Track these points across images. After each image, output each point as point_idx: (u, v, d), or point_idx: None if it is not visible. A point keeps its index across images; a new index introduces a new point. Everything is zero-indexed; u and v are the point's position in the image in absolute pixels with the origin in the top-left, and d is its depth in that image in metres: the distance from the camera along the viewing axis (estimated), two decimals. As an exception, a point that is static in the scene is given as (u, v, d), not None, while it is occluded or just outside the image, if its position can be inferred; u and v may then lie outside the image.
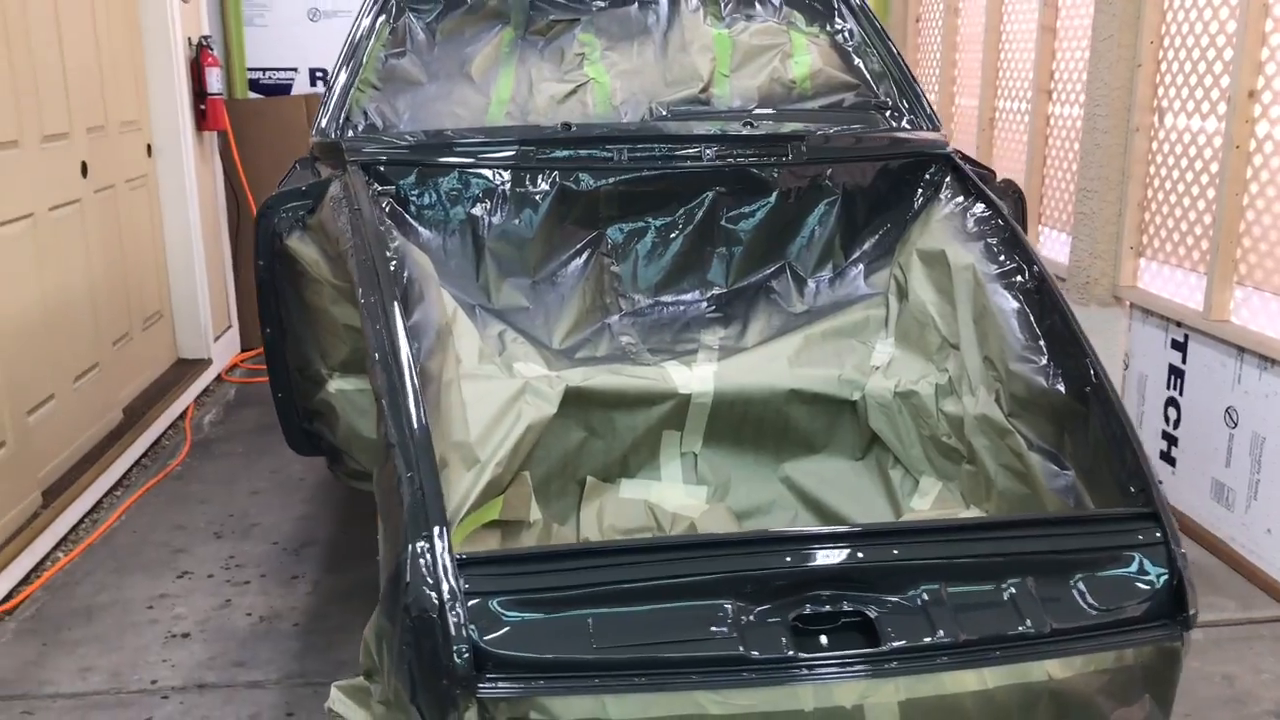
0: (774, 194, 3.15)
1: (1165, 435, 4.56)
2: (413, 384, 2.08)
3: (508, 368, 2.70)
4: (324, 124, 3.24)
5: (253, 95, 6.61)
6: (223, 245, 6.42)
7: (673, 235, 3.10)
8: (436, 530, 1.81)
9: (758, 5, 3.63)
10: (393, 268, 2.45)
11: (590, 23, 3.57)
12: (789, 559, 1.85)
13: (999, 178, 3.46)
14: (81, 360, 4.78)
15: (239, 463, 5.11)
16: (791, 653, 1.77)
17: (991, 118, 5.94)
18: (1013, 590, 1.89)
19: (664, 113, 3.37)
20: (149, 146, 5.70)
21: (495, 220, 2.97)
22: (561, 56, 3.55)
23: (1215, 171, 4.12)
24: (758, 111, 3.36)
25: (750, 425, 2.82)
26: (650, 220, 3.09)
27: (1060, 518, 2.08)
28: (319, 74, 6.58)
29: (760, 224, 3.14)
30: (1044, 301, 2.48)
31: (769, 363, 2.82)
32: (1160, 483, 2.03)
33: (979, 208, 2.85)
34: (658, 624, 1.79)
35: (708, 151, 3.06)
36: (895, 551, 1.88)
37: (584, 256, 3.04)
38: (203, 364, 6.01)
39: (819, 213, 3.17)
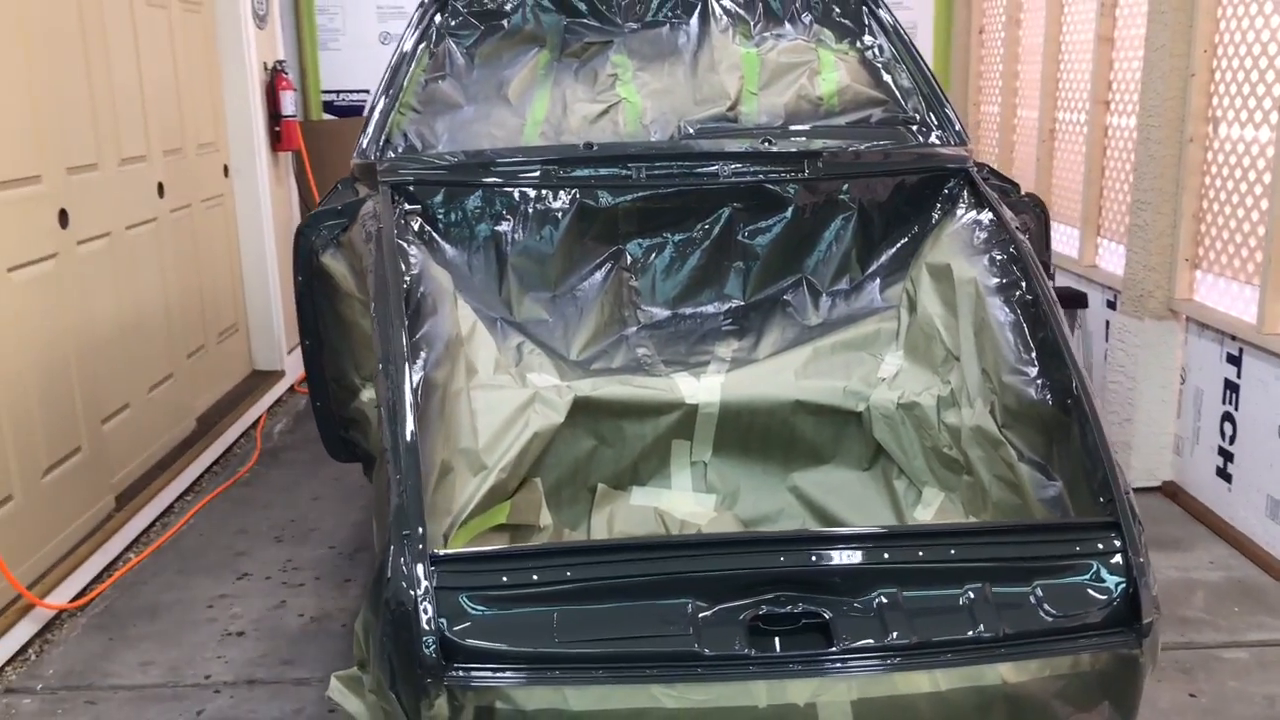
0: (790, 209, 3.21)
1: (1221, 451, 4.49)
2: (410, 394, 2.21)
3: (521, 378, 2.81)
4: (364, 145, 3.40)
5: (327, 116, 6.87)
6: (298, 261, 6.67)
7: (690, 250, 3.19)
8: (416, 530, 1.92)
9: (788, 24, 3.69)
10: (407, 283, 2.58)
11: (623, 44, 3.67)
12: (748, 561, 1.92)
13: (1024, 190, 3.47)
14: (156, 371, 5.04)
15: (303, 470, 5.32)
16: (745, 650, 1.84)
17: (1051, 129, 5.90)
18: (969, 595, 1.93)
19: (691, 131, 3.45)
20: (226, 167, 5.97)
21: (518, 237, 3.10)
22: (595, 78, 3.66)
23: (1269, 182, 4.06)
24: (779, 128, 3.43)
25: (757, 435, 2.89)
26: (669, 236, 3.18)
27: (1020, 525, 2.11)
28: (390, 96, 6.81)
29: (777, 239, 3.21)
30: (1038, 314, 2.51)
31: (776, 374, 2.88)
32: (1129, 492, 2.05)
33: (988, 221, 2.87)
34: (619, 620, 1.88)
35: (725, 169, 3.14)
36: (851, 556, 1.94)
37: (604, 271, 3.14)
38: (276, 375, 6.26)
39: (835, 227, 3.23)
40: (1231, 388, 4.39)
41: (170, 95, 5.27)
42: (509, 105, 3.60)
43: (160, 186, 5.12)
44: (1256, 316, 4.13)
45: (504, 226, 3.09)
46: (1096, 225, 5.42)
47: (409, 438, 2.09)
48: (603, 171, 3.12)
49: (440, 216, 3.10)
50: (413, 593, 1.85)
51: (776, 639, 1.88)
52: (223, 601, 4.12)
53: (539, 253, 3.10)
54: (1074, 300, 5.23)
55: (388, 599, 1.87)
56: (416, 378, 2.38)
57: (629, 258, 3.17)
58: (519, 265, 3.09)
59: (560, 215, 3.10)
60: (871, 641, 1.86)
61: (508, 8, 3.61)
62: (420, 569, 1.87)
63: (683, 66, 3.63)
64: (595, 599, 1.90)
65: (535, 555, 1.95)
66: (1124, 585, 1.94)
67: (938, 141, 3.49)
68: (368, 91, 6.87)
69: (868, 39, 3.68)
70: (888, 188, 3.22)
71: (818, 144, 3.26)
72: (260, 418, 5.89)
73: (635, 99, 3.61)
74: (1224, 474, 4.43)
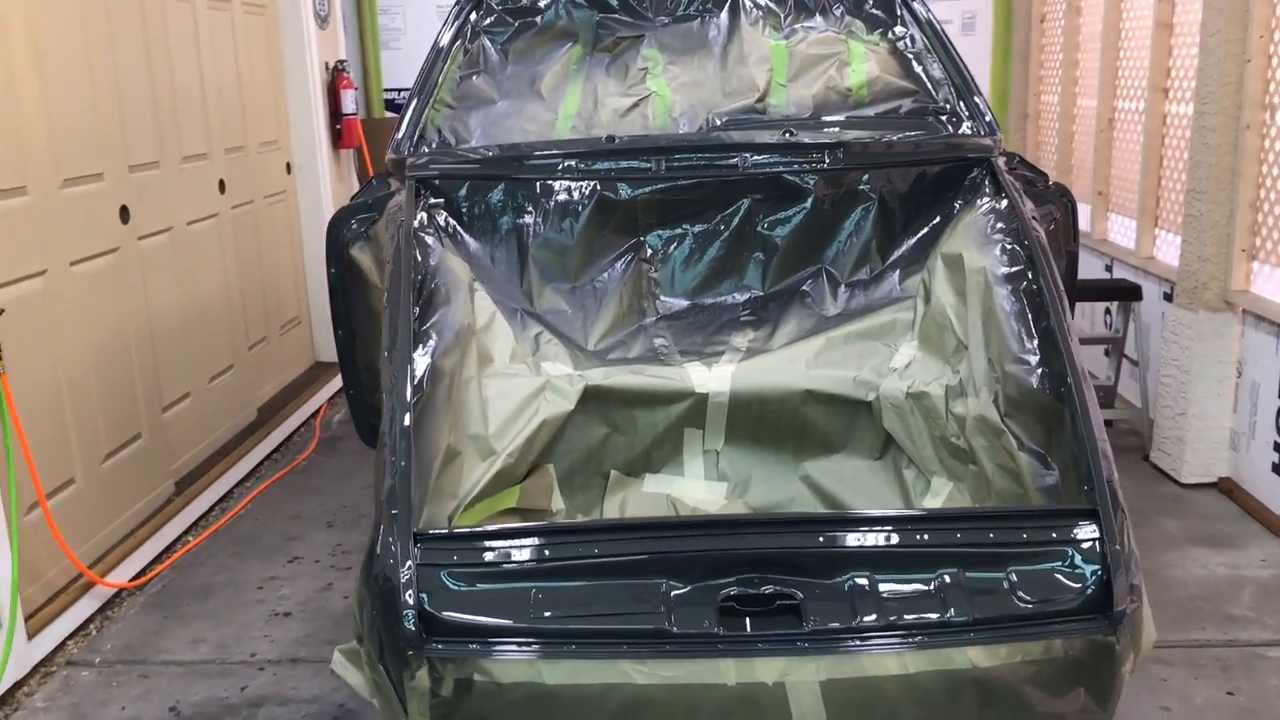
0: (810, 200, 3.22)
1: (1278, 447, 4.39)
2: (410, 380, 2.29)
3: (536, 367, 2.88)
4: (398, 140, 3.50)
5: (389, 114, 7.03)
6: (361, 256, 6.84)
7: (710, 241, 3.22)
8: (404, 510, 2.00)
9: (818, 16, 3.70)
10: (421, 274, 2.66)
11: (654, 39, 3.72)
12: (721, 543, 1.96)
13: (1054, 180, 3.44)
14: (218, 362, 5.22)
15: (358, 459, 5.46)
16: (714, 629, 1.88)
17: (1110, 118, 5.79)
18: (942, 580, 1.94)
19: (718, 123, 3.49)
20: (288, 164, 6.15)
21: (539, 229, 3.16)
22: (626, 72, 3.71)
23: (1325, 170, 3.96)
24: (805, 120, 3.44)
25: (768, 425, 2.91)
26: (688, 227, 3.22)
27: (996, 512, 2.11)
28: (450, 93, 6.95)
29: (797, 229, 3.23)
30: (1041, 303, 2.50)
31: (787, 364, 2.90)
32: (1112, 480, 2.04)
33: (1004, 211, 2.86)
34: (593, 598, 1.93)
35: (744, 160, 3.17)
36: (823, 539, 1.97)
37: (623, 262, 3.19)
38: (337, 366, 6.41)
39: (855, 218, 3.24)
40: (1288, 381, 4.29)
41: (233, 95, 5.45)
42: (542, 100, 3.67)
43: (221, 183, 5.29)
44: (1311, 308, 4.03)
45: (526, 219, 3.16)
46: (1154, 216, 5.31)
47: (405, 422, 2.16)
48: (623, 164, 3.17)
49: (465, 210, 3.18)
50: (397, 569, 1.93)
51: (747, 619, 1.91)
52: (272, 583, 4.26)
53: (559, 245, 3.16)
54: (1127, 293, 5.14)
55: (375, 575, 1.94)
56: (423, 365, 2.45)
57: (649, 249, 3.21)
58: (540, 257, 3.16)
59: (580, 208, 3.16)
60: (840, 623, 1.89)
61: (541, 4, 3.68)
62: (404, 547, 1.95)
63: (712, 60, 3.66)
64: (571, 577, 1.96)
65: (516, 535, 2.01)
66: (1099, 572, 1.93)
67: (968, 132, 3.47)
68: (428, 89, 7.00)
69: (899, 30, 3.67)
70: (909, 178, 3.21)
71: (839, 135, 3.27)
72: (321, 407, 6.06)
73: (665, 92, 3.65)
74: (1280, 470, 4.33)
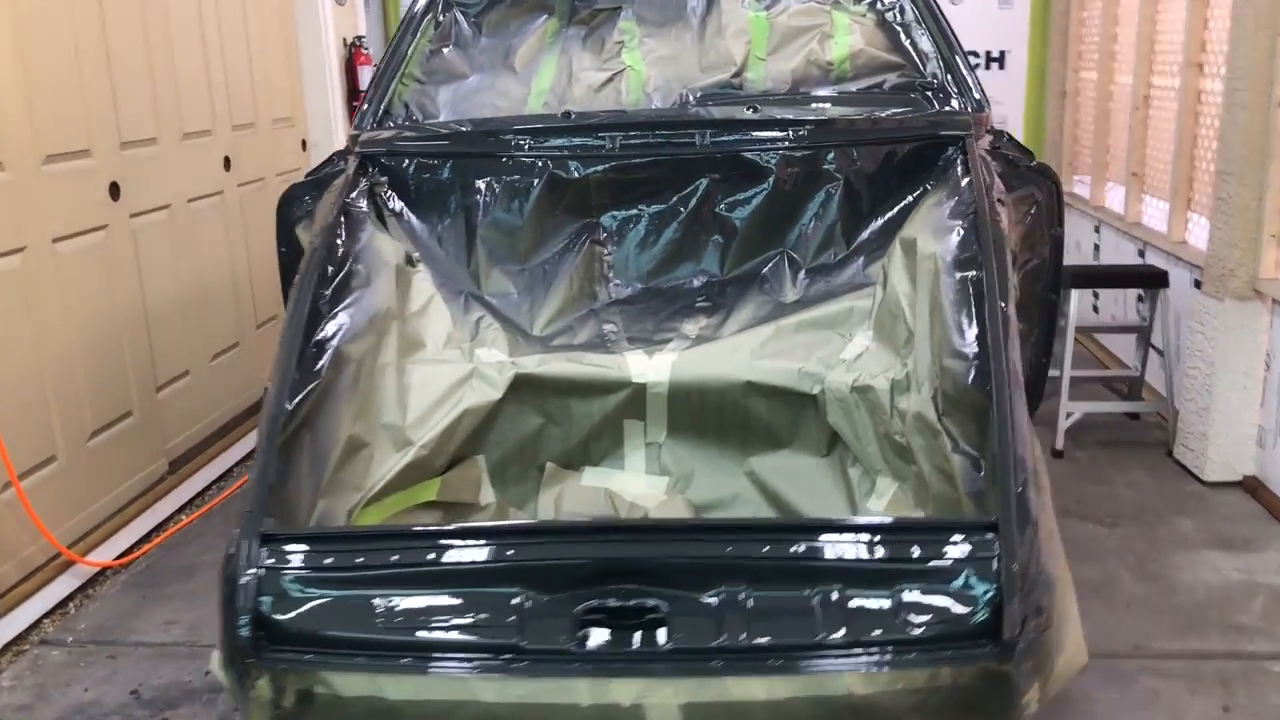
0: (771, 180, 3.06)
1: (1307, 443, 4.12)
2: (295, 367, 2.18)
3: (469, 354, 2.76)
4: (360, 116, 3.41)
5: (411, 91, 6.94)
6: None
7: (666, 223, 3.08)
8: (256, 506, 1.90)
9: None
10: (344, 256, 2.56)
11: (632, 10, 3.57)
12: (584, 550, 1.83)
13: (1035, 160, 3.22)
14: (221, 340, 5.20)
15: (359, 439, 5.39)
16: (566, 645, 1.75)
17: (1146, 95, 5.49)
18: (819, 597, 1.79)
19: (691, 99, 3.34)
20: (304, 141, 6.10)
21: (487, 208, 3.05)
22: (602, 45, 3.58)
23: (1359, 150, 3.67)
24: (776, 95, 3.28)
25: (710, 417, 2.77)
26: (644, 208, 3.08)
27: (889, 524, 1.94)
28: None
29: (757, 211, 3.07)
30: (982, 293, 2.31)
31: (731, 354, 2.75)
32: (1024, 490, 1.86)
33: (967, 193, 2.67)
34: (442, 608, 1.82)
35: (703, 137, 3.02)
36: (696, 549, 1.82)
37: (575, 244, 3.07)
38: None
39: (819, 200, 3.07)
40: (1317, 376, 4.01)
41: (242, 71, 5.40)
42: (514, 74, 3.55)
43: (226, 160, 5.26)
44: (1340, 298, 3.75)
45: (474, 198, 3.05)
46: (1187, 199, 5.02)
47: (275, 412, 2.06)
48: (575, 141, 3.04)
49: (413, 188, 3.07)
50: (239, 571, 1.83)
51: (605, 633, 1.78)
52: (254, 565, 4.21)
53: (508, 225, 3.04)
54: (1153, 279, 4.87)
55: (225, 576, 1.85)
56: (328, 352, 2.36)
57: (602, 231, 3.08)
58: (488, 237, 3.04)
59: (530, 187, 3.03)
60: (703, 642, 1.75)
61: None
62: (251, 548, 1.85)
63: (690, 32, 3.51)
64: (421, 585, 1.84)
65: (365, 538, 1.90)
66: (992, 594, 1.76)
67: (953, 108, 3.27)
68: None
69: (888, 0, 3.47)
70: (877, 158, 3.03)
71: (806, 111, 3.10)
72: (330, 386, 6.00)
73: (640, 66, 3.51)
74: (1308, 468, 4.07)
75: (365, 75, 6.18)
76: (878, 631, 1.75)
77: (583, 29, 3.63)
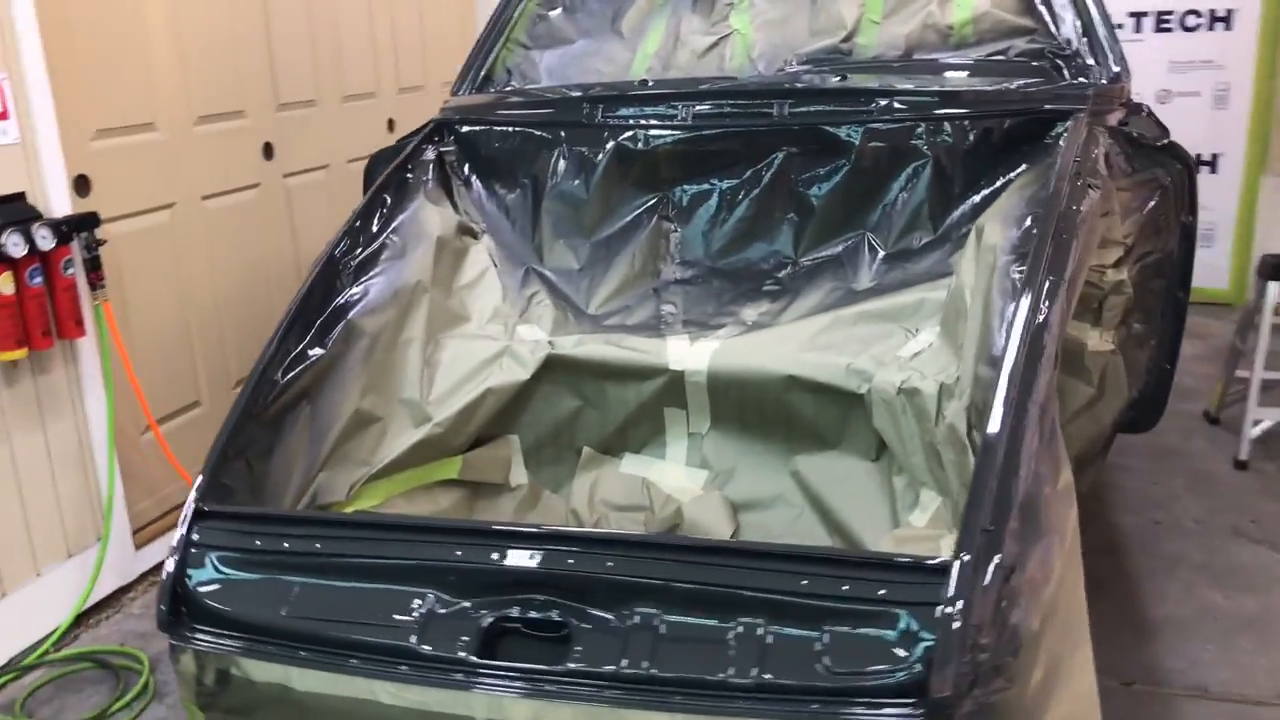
0: (854, 156, 2.81)
1: None
2: (283, 344, 2.17)
3: (511, 331, 2.69)
4: (459, 80, 3.39)
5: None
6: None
7: (739, 200, 2.89)
8: (203, 481, 1.90)
9: None
10: (382, 226, 2.54)
11: (745, -31, 3.38)
12: (499, 555, 1.72)
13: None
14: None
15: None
16: (462, 655, 1.65)
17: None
18: (739, 630, 1.61)
19: (795, 66, 3.14)
20: (478, 103, 6.17)
21: (553, 179, 2.95)
22: (712, 7, 3.41)
23: None
24: (889, 61, 3.02)
25: (752, 411, 2.59)
26: (716, 183, 2.90)
27: (830, 555, 1.71)
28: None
29: (837, 190, 2.83)
30: (1025, 295, 2.03)
31: (777, 344, 2.56)
32: (993, 530, 1.61)
33: (1056, 175, 2.36)
34: (353, 603, 1.75)
35: (782, 108, 2.81)
36: (610, 564, 1.68)
37: (643, 219, 2.93)
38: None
39: (905, 179, 2.79)
40: None
41: (412, 33, 5.51)
42: (621, 39, 3.44)
43: (390, 123, 5.38)
44: None
45: (542, 168, 2.96)
46: None
47: (251, 383, 2.06)
48: (645, 110, 2.89)
49: (484, 156, 3.02)
50: (174, 546, 1.83)
51: (508, 648, 1.67)
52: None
53: (574, 197, 2.94)
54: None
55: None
56: (340, 325, 2.34)
57: (671, 206, 2.92)
58: (553, 209, 2.95)
59: (597, 159, 2.91)
60: (602, 667, 1.61)
61: None
62: (188, 522, 1.85)
63: (802, -6, 3.28)
64: (339, 576, 1.79)
65: (302, 522, 1.86)
66: (929, 646, 1.53)
67: (1087, 80, 2.92)
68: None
69: (1021, -45, 3.13)
70: (972, 134, 2.73)
71: (897, 81, 2.83)
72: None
73: (747, 30, 3.32)
74: None
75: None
76: (793, 677, 1.56)
77: (694, -10, 3.46)
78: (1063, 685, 1.74)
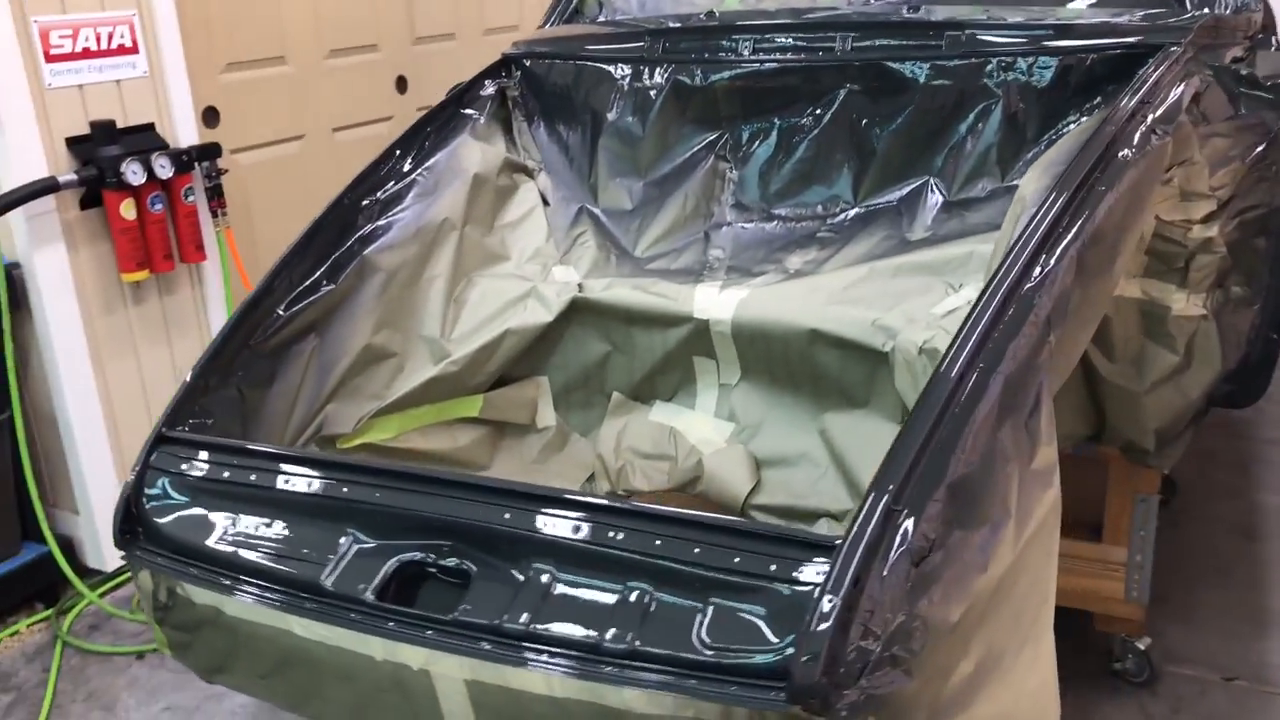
0: (918, 95, 2.61)
1: None
2: (278, 273, 2.21)
3: (547, 271, 2.67)
4: (548, 15, 3.36)
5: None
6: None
7: (798, 140, 2.73)
8: (172, 406, 1.97)
9: None
10: (416, 163, 2.55)
11: (847, -105, 3.18)
12: (414, 500, 1.71)
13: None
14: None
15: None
16: (363, 595, 1.66)
17: None
18: (625, 594, 1.54)
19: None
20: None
21: (611, 117, 2.88)
22: (812, -64, 3.23)
23: None
24: None
25: (779, 365, 2.46)
26: (776, 122, 2.75)
27: (726, 524, 1.58)
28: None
29: (900, 131, 2.63)
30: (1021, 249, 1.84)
31: (807, 295, 2.42)
32: (896, 509, 1.46)
33: (1106, 117, 2.12)
34: (280, 536, 1.78)
35: (844, 42, 2.63)
36: (507, 516, 1.63)
37: (699, 159, 2.82)
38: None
39: (972, 120, 2.56)
40: None
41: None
42: None
43: (534, 55, 5.38)
44: None
45: (601, 105, 2.89)
46: None
47: (236, 314, 2.11)
48: (703, 44, 2.77)
49: (548, 92, 2.98)
50: (134, 468, 1.91)
51: (406, 591, 1.67)
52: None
53: (630, 135, 2.85)
54: None
55: None
56: (354, 260, 2.37)
57: (728, 145, 2.80)
58: (609, 147, 2.88)
59: (653, 94, 2.82)
60: (487, 619, 1.58)
61: None
62: (149, 445, 1.92)
63: (904, -82, 3.06)
64: (270, 509, 1.82)
65: (243, 453, 1.89)
66: (805, 629, 1.41)
67: (1208, 9, 2.62)
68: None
69: None
70: (1048, 73, 2.49)
71: (970, 13, 2.61)
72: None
73: None
74: None
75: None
76: (668, 646, 1.48)
77: (796, -84, 3.28)
78: (999, 682, 1.59)
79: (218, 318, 3.92)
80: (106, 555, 3.64)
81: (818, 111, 2.70)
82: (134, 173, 3.54)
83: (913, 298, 2.35)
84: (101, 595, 3.60)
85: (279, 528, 1.78)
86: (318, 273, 2.33)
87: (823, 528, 2.34)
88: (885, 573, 1.42)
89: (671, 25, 2.87)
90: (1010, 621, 1.61)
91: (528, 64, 2.99)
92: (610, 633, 1.50)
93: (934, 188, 2.61)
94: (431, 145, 2.66)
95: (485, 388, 2.58)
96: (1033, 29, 2.53)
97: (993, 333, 1.66)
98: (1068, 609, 2.95)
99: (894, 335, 2.28)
